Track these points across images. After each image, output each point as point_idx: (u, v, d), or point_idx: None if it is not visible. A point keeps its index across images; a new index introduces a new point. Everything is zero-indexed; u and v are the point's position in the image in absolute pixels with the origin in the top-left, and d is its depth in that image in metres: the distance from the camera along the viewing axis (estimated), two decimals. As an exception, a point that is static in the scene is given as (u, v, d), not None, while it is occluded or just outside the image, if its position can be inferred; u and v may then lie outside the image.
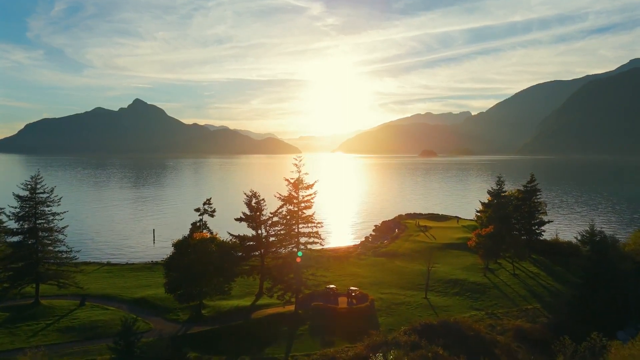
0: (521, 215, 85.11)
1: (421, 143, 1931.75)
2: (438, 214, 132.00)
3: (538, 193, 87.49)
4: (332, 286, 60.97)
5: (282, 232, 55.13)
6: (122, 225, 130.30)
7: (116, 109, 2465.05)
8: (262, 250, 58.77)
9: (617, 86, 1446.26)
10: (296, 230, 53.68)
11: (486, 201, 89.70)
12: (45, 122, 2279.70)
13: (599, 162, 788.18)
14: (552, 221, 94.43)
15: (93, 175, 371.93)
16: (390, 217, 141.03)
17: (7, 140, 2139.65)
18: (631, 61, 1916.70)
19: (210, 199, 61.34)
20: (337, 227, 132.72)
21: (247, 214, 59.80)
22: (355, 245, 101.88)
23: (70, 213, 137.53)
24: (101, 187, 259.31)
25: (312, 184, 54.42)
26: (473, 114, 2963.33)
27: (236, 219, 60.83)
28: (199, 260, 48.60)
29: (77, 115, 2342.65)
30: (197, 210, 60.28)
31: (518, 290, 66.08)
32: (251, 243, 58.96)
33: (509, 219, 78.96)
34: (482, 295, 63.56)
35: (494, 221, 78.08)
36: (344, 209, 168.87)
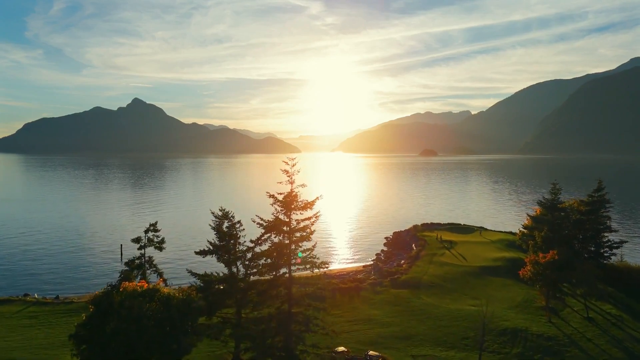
0: (585, 234, 65.53)
1: (421, 142, 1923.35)
2: (459, 224, 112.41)
3: (607, 205, 67.63)
4: (341, 349, 41.73)
5: (265, 275, 36.06)
6: (87, 239, 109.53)
7: (115, 108, 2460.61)
8: (239, 296, 39.35)
9: (618, 85, 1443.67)
10: (287, 274, 34.62)
11: (534, 213, 70.52)
12: (44, 121, 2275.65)
13: (607, 161, 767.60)
14: (626, 241, 74.05)
15: (78, 175, 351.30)
16: (403, 226, 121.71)
17: (5, 139, 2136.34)
18: (632, 60, 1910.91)
19: (156, 223, 42.15)
20: (341, 240, 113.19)
21: (216, 244, 40.08)
22: (365, 267, 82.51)
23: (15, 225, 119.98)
24: (81, 187, 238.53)
25: (312, 202, 35.31)
26: (473, 113, 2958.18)
27: (198, 252, 39.99)
28: (126, 329, 29.35)
29: (76, 114, 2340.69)
30: (136, 241, 40.88)
31: (606, 347, 46.76)
32: (221, 286, 39.37)
33: (574, 240, 59.68)
34: (557, 358, 44.25)
35: (552, 242, 58.93)
36: (348, 217, 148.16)
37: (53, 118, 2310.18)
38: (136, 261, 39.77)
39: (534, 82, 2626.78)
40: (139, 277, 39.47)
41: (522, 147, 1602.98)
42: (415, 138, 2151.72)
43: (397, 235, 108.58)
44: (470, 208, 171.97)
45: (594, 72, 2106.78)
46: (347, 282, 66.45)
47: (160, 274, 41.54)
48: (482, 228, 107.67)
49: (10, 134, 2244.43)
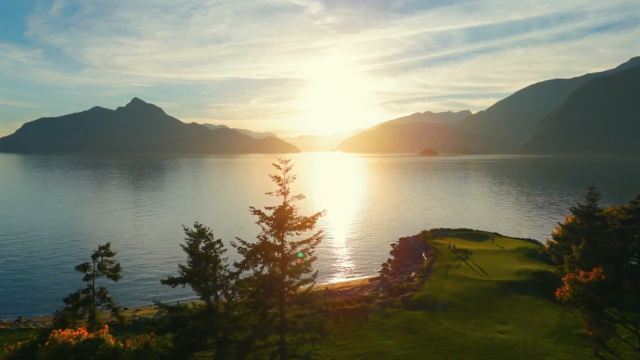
0: (627, 247, 56.70)
1: (421, 142, 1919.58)
2: (471, 230, 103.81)
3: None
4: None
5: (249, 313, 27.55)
6: (63, 249, 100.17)
7: (115, 108, 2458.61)
8: (220, 335, 30.74)
9: (619, 84, 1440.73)
10: (278, 316, 26.13)
11: (565, 222, 61.96)
12: (43, 121, 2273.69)
13: (609, 161, 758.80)
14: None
15: (70, 176, 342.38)
16: (410, 231, 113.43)
17: (5, 139, 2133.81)
18: (632, 59, 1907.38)
19: (109, 244, 33.56)
20: (343, 249, 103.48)
21: (190, 269, 31.35)
22: (371, 280, 73.87)
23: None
24: (69, 188, 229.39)
25: (313, 218, 26.76)
26: (473, 113, 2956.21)
27: (166, 281, 30.33)
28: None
29: (75, 114, 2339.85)
30: (82, 268, 32.11)
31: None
32: (200, 324, 30.69)
33: (621, 255, 51.08)
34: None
35: (592, 257, 50.40)
36: (351, 222, 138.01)
37: (52, 118, 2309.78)
38: (81, 295, 30.95)
39: (534, 82, 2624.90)
40: (87, 314, 30.62)
41: (522, 147, 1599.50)
42: (415, 138, 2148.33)
43: (404, 242, 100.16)
44: (479, 211, 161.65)
45: (593, 71, 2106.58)
46: (353, 302, 57.91)
47: (115, 310, 32.67)
48: (495, 234, 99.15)
49: (9, 133, 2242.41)
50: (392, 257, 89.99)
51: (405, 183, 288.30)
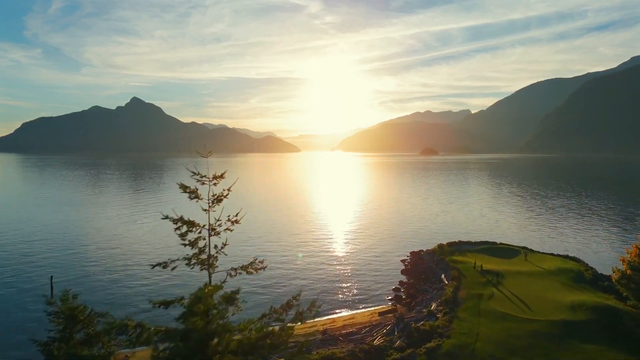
0: None
1: (421, 141, 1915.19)
2: (495, 244, 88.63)
3: None
4: None
5: None
6: (13, 267, 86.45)
7: (114, 107, 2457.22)
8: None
9: (620, 83, 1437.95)
10: None
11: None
12: (42, 120, 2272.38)
13: (611, 160, 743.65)
14: None
15: (60, 176, 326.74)
16: (421, 243, 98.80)
17: (4, 139, 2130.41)
18: (632, 58, 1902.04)
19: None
20: (343, 267, 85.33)
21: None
22: (381, 314, 58.45)
23: None
24: (53, 190, 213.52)
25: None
26: (473, 112, 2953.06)
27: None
28: None
29: (74, 114, 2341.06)
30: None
31: None
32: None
33: None
34: None
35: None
36: (351, 230, 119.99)
37: (52, 117, 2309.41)
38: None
39: (534, 81, 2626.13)
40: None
41: (523, 146, 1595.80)
42: (415, 137, 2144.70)
43: (416, 257, 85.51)
44: (497, 218, 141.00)
45: (594, 70, 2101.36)
46: (360, 353, 43.05)
47: None
48: (526, 249, 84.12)
49: (8, 133, 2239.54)
50: (405, 278, 74.93)
51: (408, 184, 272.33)
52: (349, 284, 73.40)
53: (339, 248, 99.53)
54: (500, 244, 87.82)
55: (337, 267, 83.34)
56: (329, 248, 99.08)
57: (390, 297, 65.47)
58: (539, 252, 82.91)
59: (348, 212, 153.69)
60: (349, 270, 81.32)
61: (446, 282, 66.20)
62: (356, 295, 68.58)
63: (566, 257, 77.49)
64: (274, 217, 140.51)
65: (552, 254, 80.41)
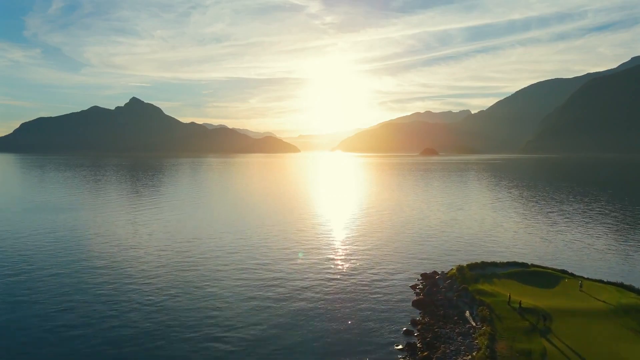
0: None
1: (421, 141, 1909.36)
2: (526, 265, 72.55)
3: None
4: None
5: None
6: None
7: (113, 107, 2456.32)
8: None
9: (620, 83, 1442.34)
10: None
11: None
12: (41, 120, 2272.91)
13: (613, 160, 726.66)
14: None
15: (48, 178, 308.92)
16: (433, 261, 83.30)
17: (3, 139, 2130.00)
18: (633, 58, 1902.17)
19: None
20: (342, 296, 63.18)
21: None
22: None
23: None
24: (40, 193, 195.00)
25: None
26: (473, 112, 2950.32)
27: None
28: None
29: (73, 114, 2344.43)
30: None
31: None
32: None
33: None
34: None
35: None
36: (349, 244, 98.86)
37: (51, 117, 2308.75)
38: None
39: (534, 81, 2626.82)
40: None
41: (524, 146, 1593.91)
42: (416, 137, 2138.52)
43: (429, 282, 69.57)
44: (517, 229, 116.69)
45: (594, 70, 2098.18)
46: None
47: None
48: (565, 272, 67.80)
49: (7, 133, 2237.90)
50: (418, 316, 58.17)
51: (411, 187, 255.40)
52: (345, 327, 52.59)
53: (334, 270, 78.23)
54: (533, 265, 71.70)
55: (332, 298, 63.67)
56: (321, 267, 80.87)
57: (400, 347, 48.97)
58: (583, 277, 66.59)
59: (346, 221, 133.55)
60: (347, 303, 60.52)
61: (474, 324, 50.56)
62: (356, 344, 49.58)
63: (621, 285, 61.25)
64: (266, 230, 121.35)
65: (601, 281, 63.98)
